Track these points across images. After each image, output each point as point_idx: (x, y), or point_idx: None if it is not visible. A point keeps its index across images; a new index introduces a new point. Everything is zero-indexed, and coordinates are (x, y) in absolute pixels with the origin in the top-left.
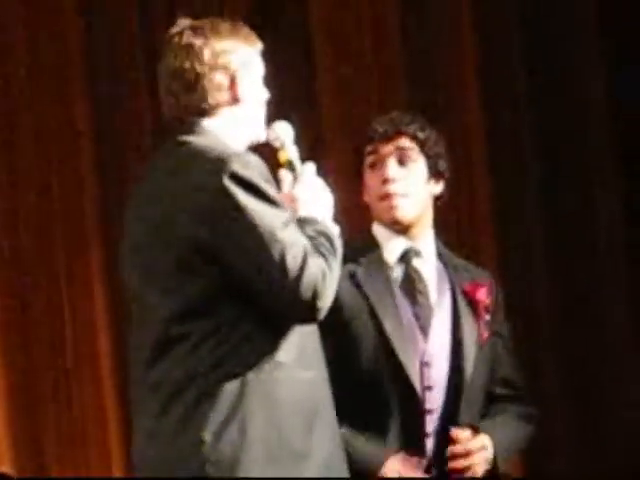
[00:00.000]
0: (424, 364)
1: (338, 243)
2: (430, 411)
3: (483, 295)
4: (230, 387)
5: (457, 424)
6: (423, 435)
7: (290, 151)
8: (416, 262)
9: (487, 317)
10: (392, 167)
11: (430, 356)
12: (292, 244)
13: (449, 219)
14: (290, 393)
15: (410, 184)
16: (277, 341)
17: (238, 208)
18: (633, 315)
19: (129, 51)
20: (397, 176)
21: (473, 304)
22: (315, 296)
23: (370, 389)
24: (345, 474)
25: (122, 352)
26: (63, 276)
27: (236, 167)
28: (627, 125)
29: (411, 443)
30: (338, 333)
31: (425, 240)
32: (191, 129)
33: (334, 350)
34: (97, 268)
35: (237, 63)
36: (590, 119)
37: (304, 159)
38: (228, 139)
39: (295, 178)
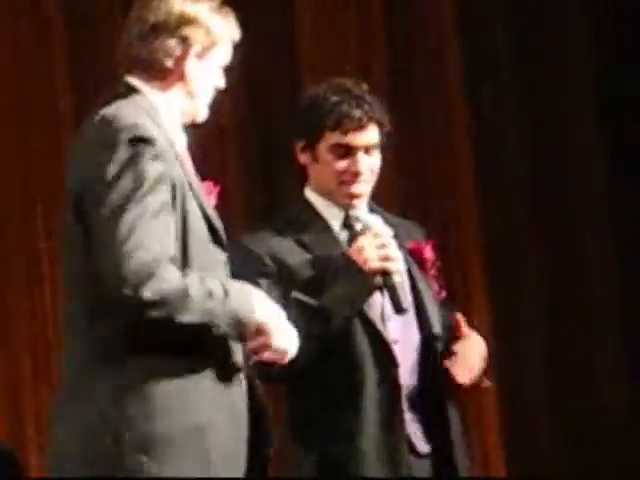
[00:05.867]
0: (385, 318)
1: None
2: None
3: (429, 253)
4: (129, 368)
5: (429, 379)
6: (398, 387)
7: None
8: (358, 226)
9: (433, 272)
10: (363, 160)
11: (389, 310)
12: (135, 223)
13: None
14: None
15: (373, 171)
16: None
17: (108, 179)
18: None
19: None
20: (365, 168)
21: (419, 262)
22: (139, 276)
23: (344, 350)
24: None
25: None
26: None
27: (124, 144)
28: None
29: (387, 395)
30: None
31: (361, 205)
32: (123, 90)
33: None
34: None
35: (199, 41)
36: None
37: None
38: (162, 110)
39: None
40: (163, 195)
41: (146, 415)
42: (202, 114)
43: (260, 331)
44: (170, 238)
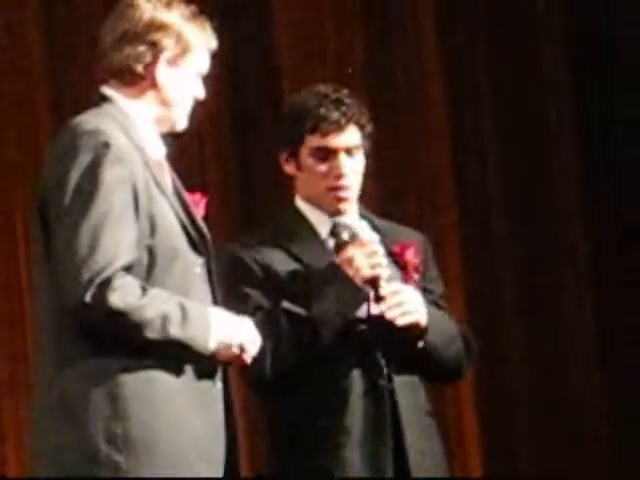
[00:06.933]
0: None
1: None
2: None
3: (412, 255)
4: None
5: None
6: (384, 396)
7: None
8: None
9: (416, 277)
10: (345, 162)
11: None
12: (89, 228)
13: None
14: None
15: (357, 174)
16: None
17: (68, 185)
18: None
19: None
20: (349, 170)
21: (402, 265)
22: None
23: (330, 359)
24: None
25: None
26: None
27: (83, 149)
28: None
29: (373, 404)
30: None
31: (350, 210)
32: (96, 100)
33: (291, 329)
34: None
35: (169, 47)
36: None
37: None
38: (134, 117)
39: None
40: (123, 199)
41: (117, 416)
42: (181, 123)
43: (232, 346)
44: (129, 244)
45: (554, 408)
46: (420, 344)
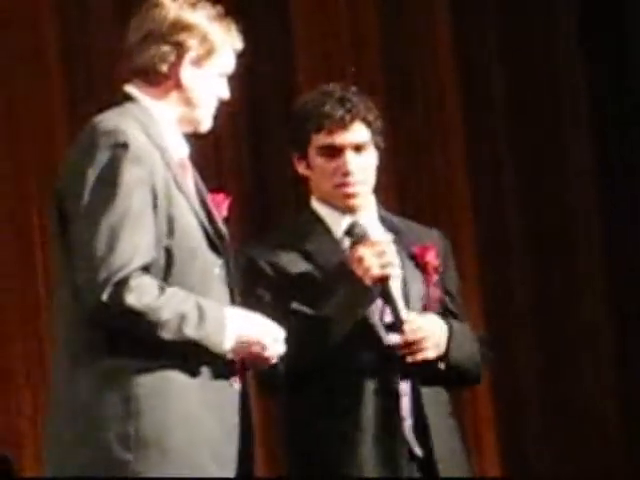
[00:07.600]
0: (384, 324)
1: (190, 331)
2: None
3: (432, 257)
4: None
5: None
6: (398, 394)
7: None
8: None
9: (436, 277)
10: (351, 159)
11: (389, 317)
12: (107, 227)
13: None
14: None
15: (366, 171)
16: None
17: (86, 184)
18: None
19: None
20: (356, 168)
21: (422, 266)
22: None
23: (344, 357)
24: None
25: None
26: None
27: (102, 148)
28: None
29: (386, 402)
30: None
31: (367, 209)
32: (119, 99)
33: (302, 329)
34: None
35: (194, 48)
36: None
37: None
38: (157, 117)
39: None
40: (142, 199)
41: (130, 416)
42: (205, 124)
43: (251, 344)
44: (147, 244)
45: (565, 409)
46: (441, 366)
